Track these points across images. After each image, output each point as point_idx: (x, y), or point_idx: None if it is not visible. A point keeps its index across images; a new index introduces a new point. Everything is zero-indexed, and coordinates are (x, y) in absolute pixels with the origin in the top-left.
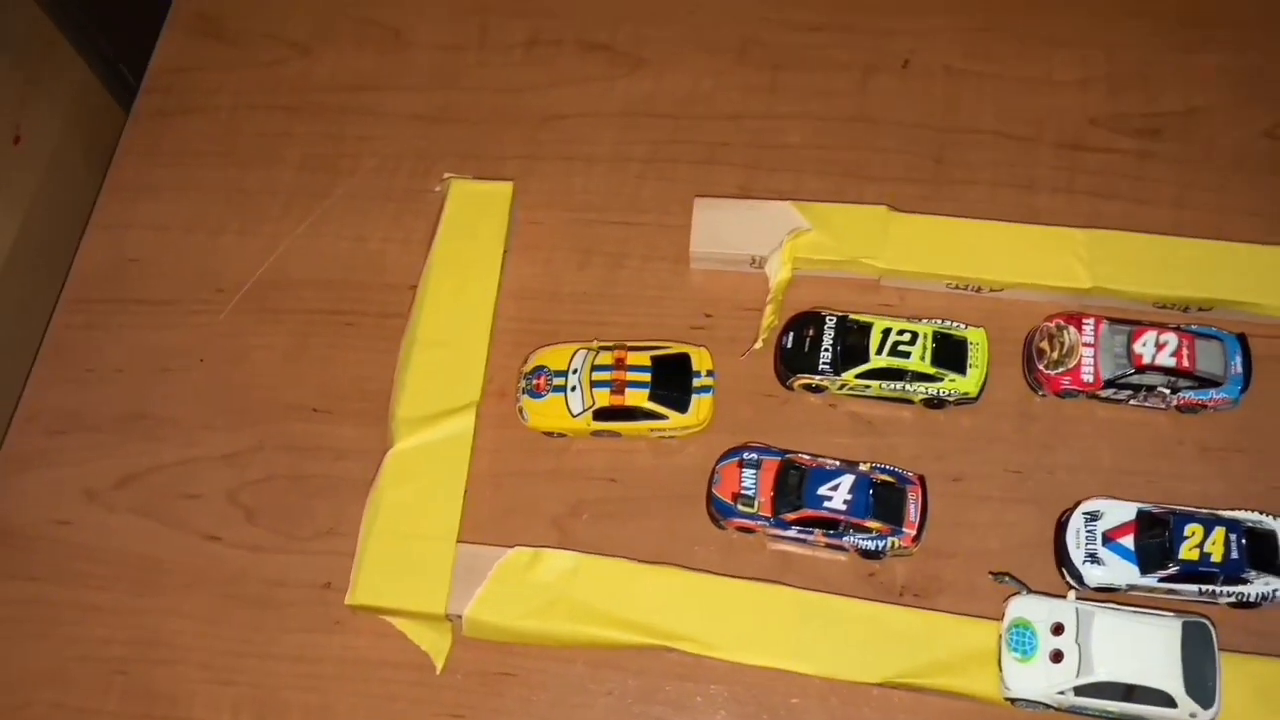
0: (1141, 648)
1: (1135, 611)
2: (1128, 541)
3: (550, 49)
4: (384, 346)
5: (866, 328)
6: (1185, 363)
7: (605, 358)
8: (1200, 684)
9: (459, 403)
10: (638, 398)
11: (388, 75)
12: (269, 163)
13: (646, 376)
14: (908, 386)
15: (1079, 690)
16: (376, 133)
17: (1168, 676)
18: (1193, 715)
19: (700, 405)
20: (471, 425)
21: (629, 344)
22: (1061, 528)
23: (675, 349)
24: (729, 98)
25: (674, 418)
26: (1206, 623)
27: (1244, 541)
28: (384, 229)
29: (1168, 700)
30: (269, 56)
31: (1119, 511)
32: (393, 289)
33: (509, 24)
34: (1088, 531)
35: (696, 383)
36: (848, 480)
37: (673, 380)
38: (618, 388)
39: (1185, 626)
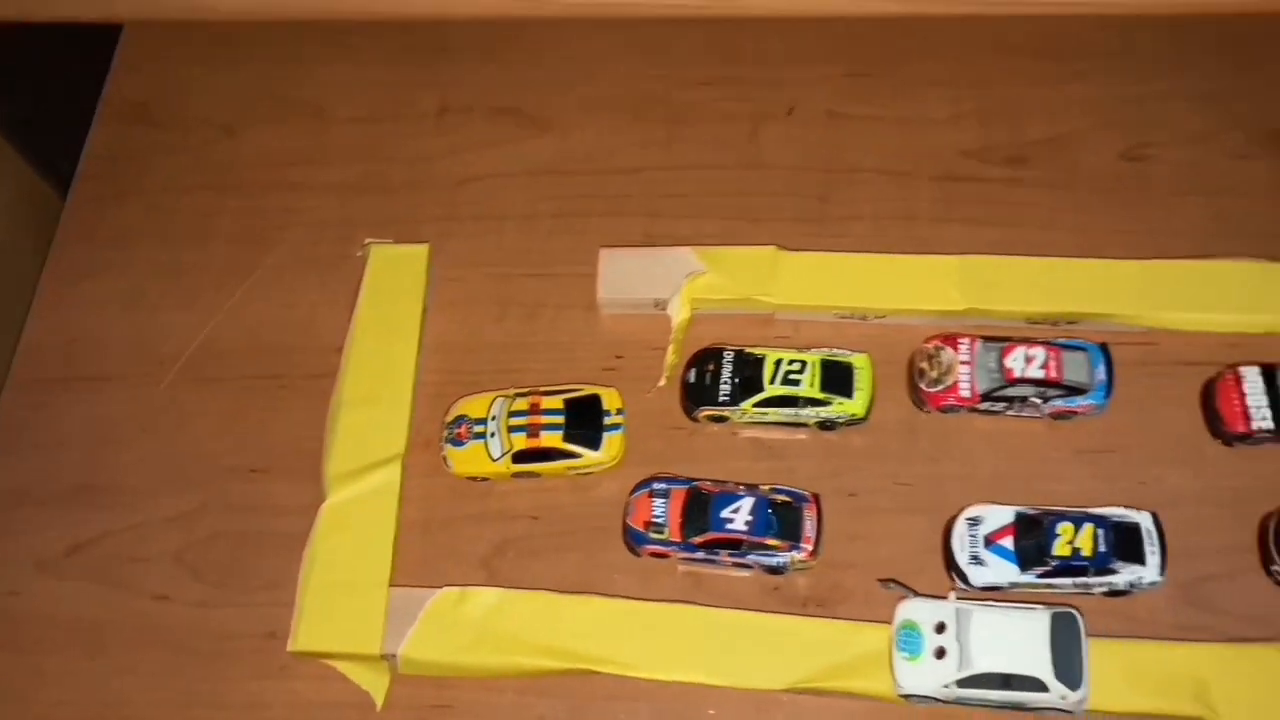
0: (1014, 639)
1: (1008, 607)
2: (1008, 543)
3: (461, 116)
4: (316, 406)
5: (760, 360)
6: (1053, 374)
7: (521, 404)
8: (1068, 668)
9: (385, 455)
10: (553, 439)
11: (310, 150)
12: (201, 239)
13: (560, 419)
14: (801, 412)
15: (961, 683)
16: (301, 205)
17: (1038, 664)
18: (1063, 697)
19: (612, 442)
20: (398, 476)
21: (542, 389)
22: (948, 533)
23: (586, 391)
24: (629, 153)
25: (587, 455)
26: (1074, 612)
27: (1111, 536)
28: (311, 295)
29: (1040, 685)
30: (197, 139)
31: (998, 515)
32: (322, 351)
33: (421, 95)
34: (970, 536)
35: (607, 421)
36: (748, 502)
37: (585, 420)
38: (533, 431)
39: (1053, 617)
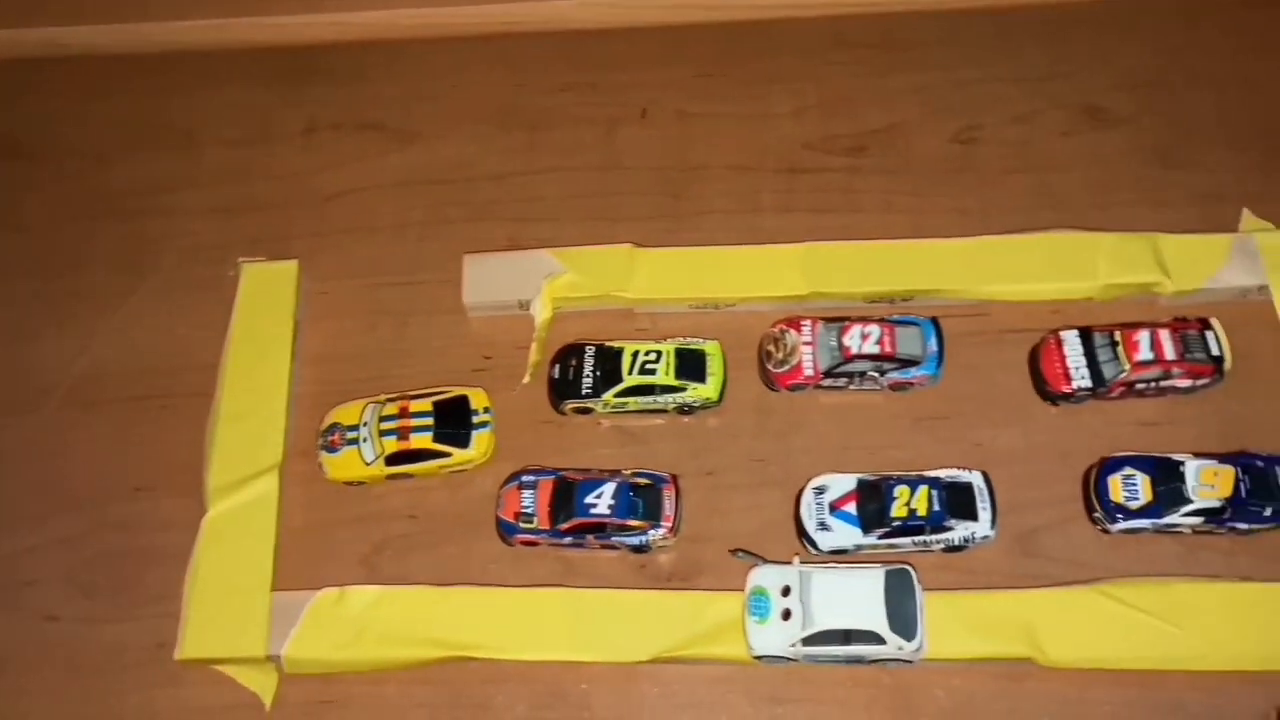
0: (852, 597)
1: (847, 568)
2: (851, 508)
3: (328, 134)
4: (197, 423)
5: (619, 352)
6: (888, 348)
7: (391, 408)
8: (903, 621)
9: (263, 466)
10: (423, 441)
11: (182, 175)
12: (78, 268)
13: (429, 421)
14: (658, 399)
15: (806, 640)
16: (176, 229)
17: (874, 618)
18: (899, 648)
19: (481, 440)
20: (276, 485)
21: (411, 393)
22: (798, 503)
23: (454, 392)
24: (492, 160)
25: (458, 454)
26: (908, 569)
27: (945, 495)
28: (189, 316)
29: (877, 638)
30: (70, 169)
31: (842, 483)
32: (201, 370)
33: (288, 116)
34: (817, 504)
35: (475, 420)
36: (610, 488)
37: (453, 421)
38: (403, 434)
39: (888, 574)
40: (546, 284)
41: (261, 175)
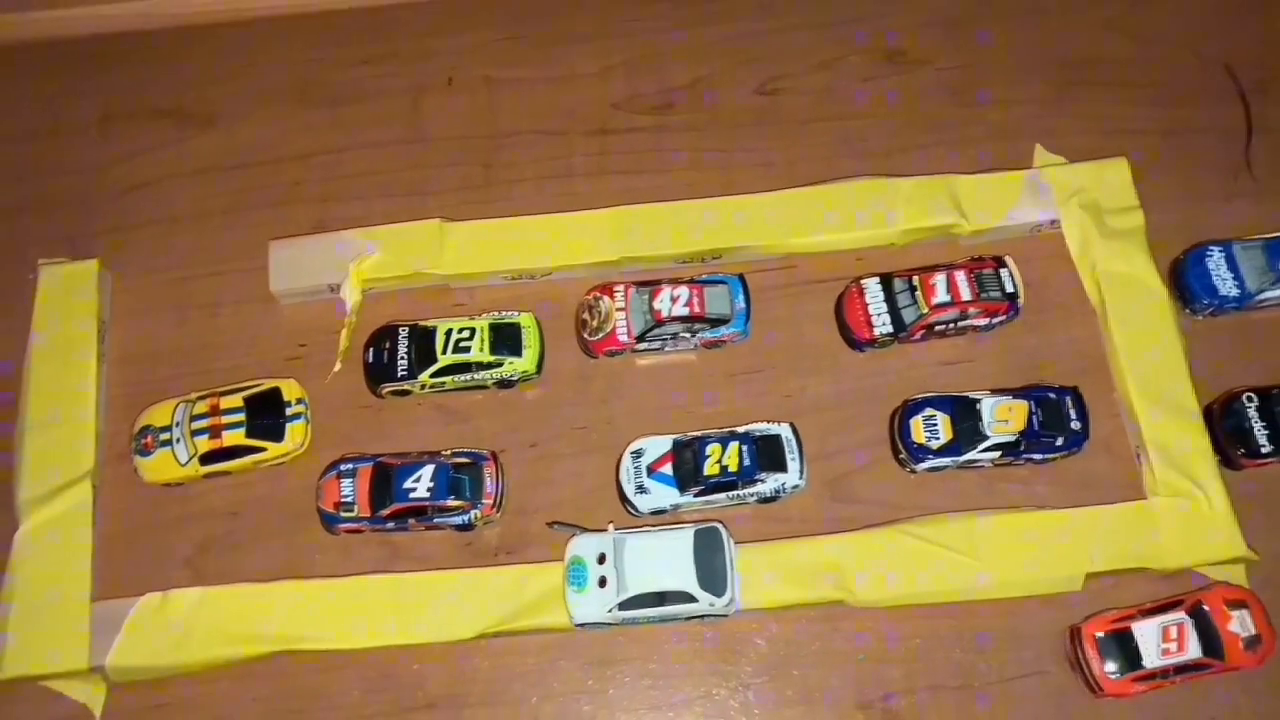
0: (662, 559)
1: (660, 530)
2: (668, 470)
3: (123, 123)
4: (3, 435)
5: (432, 331)
6: (697, 309)
7: (201, 406)
8: (713, 578)
9: (74, 475)
10: (236, 437)
11: None
12: None
13: (241, 417)
14: (476, 375)
15: (622, 605)
16: None
17: (684, 578)
18: (711, 604)
19: (295, 432)
20: (89, 494)
21: (221, 390)
22: (618, 468)
23: (266, 385)
24: (296, 140)
25: (272, 448)
26: (717, 526)
27: (754, 449)
28: None
29: (689, 597)
30: None
31: (658, 445)
32: (5, 380)
33: (80, 106)
34: (635, 467)
35: (289, 412)
36: (429, 470)
37: (266, 414)
38: (215, 432)
39: (696, 534)
40: (353, 267)
41: (55, 170)
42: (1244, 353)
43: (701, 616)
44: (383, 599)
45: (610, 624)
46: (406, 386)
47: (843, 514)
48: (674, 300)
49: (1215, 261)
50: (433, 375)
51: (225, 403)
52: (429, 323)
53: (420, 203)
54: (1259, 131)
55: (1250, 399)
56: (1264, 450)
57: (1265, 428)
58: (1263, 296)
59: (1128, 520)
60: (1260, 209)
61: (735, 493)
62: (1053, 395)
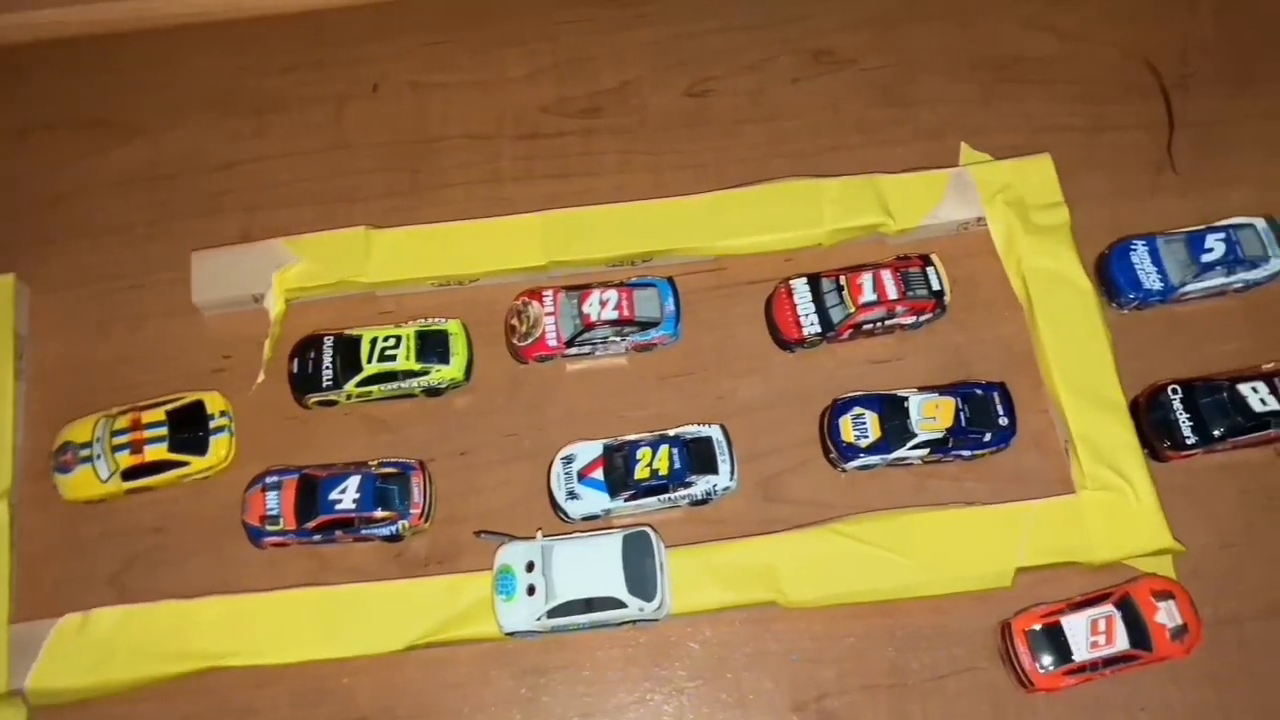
0: (590, 566)
1: (589, 536)
2: (599, 475)
3: (44, 135)
4: None
5: (357, 340)
6: (626, 312)
7: (123, 421)
8: (642, 583)
9: None
10: (158, 452)
11: None
12: None
13: (163, 431)
14: (402, 384)
15: (551, 613)
16: None
17: (613, 583)
18: (641, 609)
19: (219, 445)
20: (5, 514)
21: (143, 404)
22: (549, 474)
23: (188, 399)
24: (221, 149)
25: (196, 462)
26: (646, 531)
27: (685, 452)
28: None
29: (618, 603)
30: None
31: (589, 451)
32: None
33: None
34: (566, 474)
35: (213, 425)
36: (355, 481)
37: (189, 428)
38: (137, 447)
39: (625, 539)
40: (276, 277)
41: None
42: (1169, 346)
43: (633, 622)
44: (311, 613)
45: (540, 632)
46: (332, 396)
47: (774, 514)
48: (603, 304)
49: (1139, 255)
50: (358, 384)
51: (147, 417)
52: (354, 331)
53: (347, 210)
54: (1181, 126)
55: (1175, 391)
56: (1189, 442)
57: (1190, 420)
58: (1186, 289)
59: (1056, 515)
60: (1183, 203)
61: (667, 496)
62: (980, 391)
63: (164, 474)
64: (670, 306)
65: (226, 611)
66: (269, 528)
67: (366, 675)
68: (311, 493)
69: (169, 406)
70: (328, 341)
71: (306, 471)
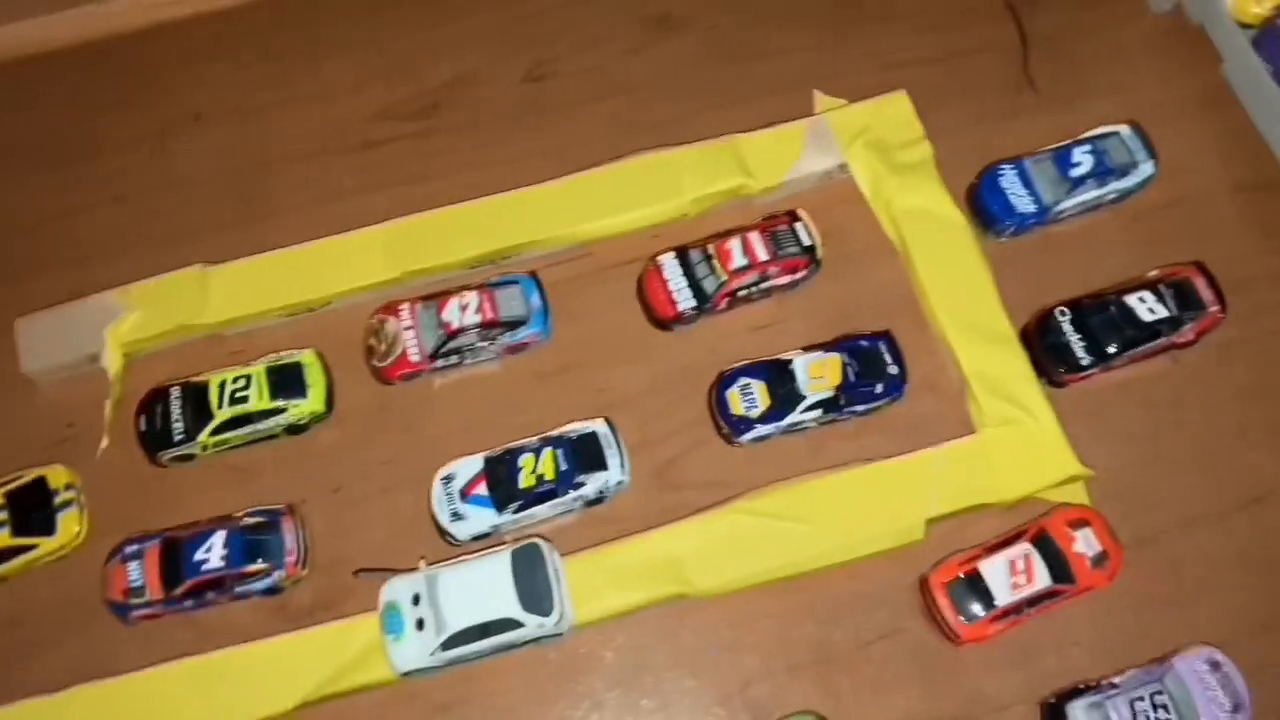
0: (479, 589)
1: (474, 558)
2: (483, 490)
3: None
4: None
5: (205, 387)
6: (489, 314)
7: None
8: (536, 599)
9: None
10: (1, 539)
11: None
12: None
13: (3, 515)
14: (259, 426)
15: (445, 645)
16: None
17: (505, 604)
18: (540, 625)
19: (68, 521)
20: None
21: None
22: (429, 498)
23: (28, 477)
24: (31, 203)
25: (44, 543)
26: (536, 543)
27: (570, 452)
28: None
29: (514, 624)
30: None
31: (469, 467)
32: None
33: None
34: (447, 494)
35: (58, 500)
36: (220, 537)
37: (32, 508)
38: None
39: (514, 555)
40: (108, 332)
41: None
42: (1050, 269)
43: (537, 640)
44: (191, 685)
45: (438, 667)
46: (188, 450)
47: (674, 502)
48: (463, 309)
49: (1009, 180)
50: (213, 433)
51: None
52: (201, 378)
53: (184, 250)
54: (1034, 43)
55: (1063, 313)
56: (1084, 363)
57: (1081, 340)
58: (1061, 208)
59: (960, 458)
60: (1046, 121)
61: (558, 501)
62: (865, 344)
63: (11, 561)
64: (536, 302)
65: (98, 699)
66: (134, 601)
67: None
68: (175, 556)
69: (7, 488)
70: (175, 392)
71: (168, 534)
